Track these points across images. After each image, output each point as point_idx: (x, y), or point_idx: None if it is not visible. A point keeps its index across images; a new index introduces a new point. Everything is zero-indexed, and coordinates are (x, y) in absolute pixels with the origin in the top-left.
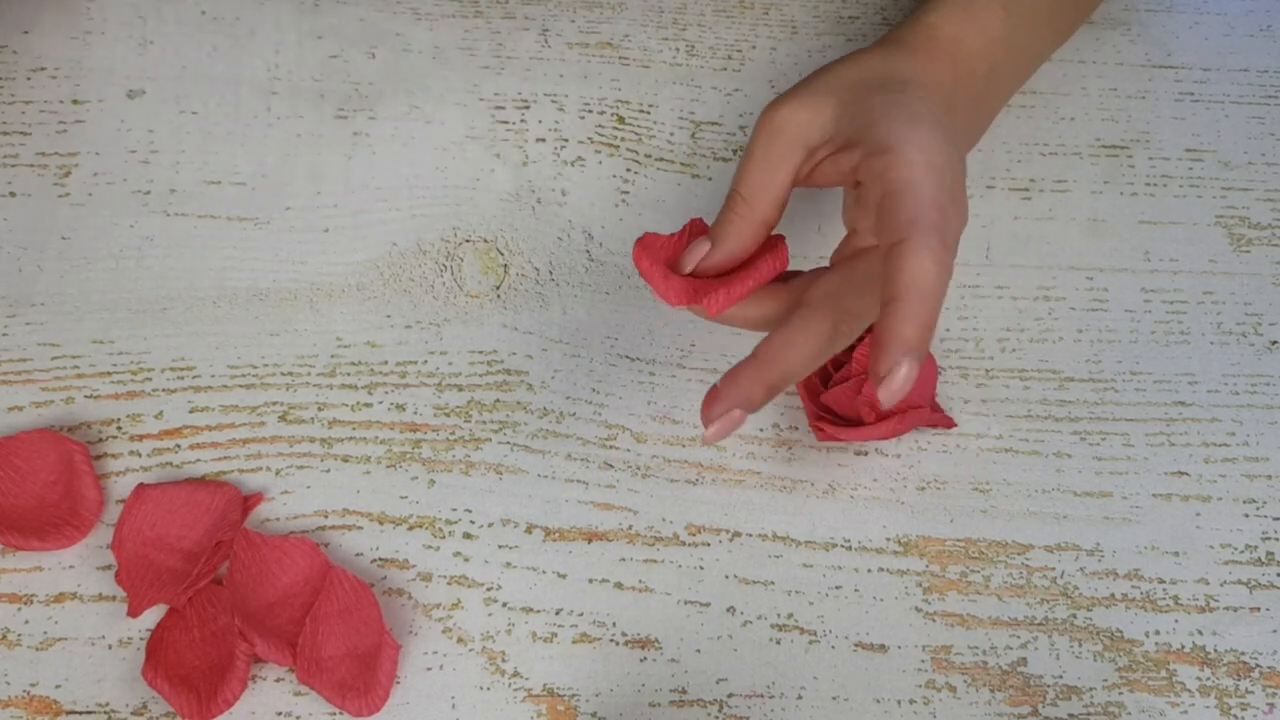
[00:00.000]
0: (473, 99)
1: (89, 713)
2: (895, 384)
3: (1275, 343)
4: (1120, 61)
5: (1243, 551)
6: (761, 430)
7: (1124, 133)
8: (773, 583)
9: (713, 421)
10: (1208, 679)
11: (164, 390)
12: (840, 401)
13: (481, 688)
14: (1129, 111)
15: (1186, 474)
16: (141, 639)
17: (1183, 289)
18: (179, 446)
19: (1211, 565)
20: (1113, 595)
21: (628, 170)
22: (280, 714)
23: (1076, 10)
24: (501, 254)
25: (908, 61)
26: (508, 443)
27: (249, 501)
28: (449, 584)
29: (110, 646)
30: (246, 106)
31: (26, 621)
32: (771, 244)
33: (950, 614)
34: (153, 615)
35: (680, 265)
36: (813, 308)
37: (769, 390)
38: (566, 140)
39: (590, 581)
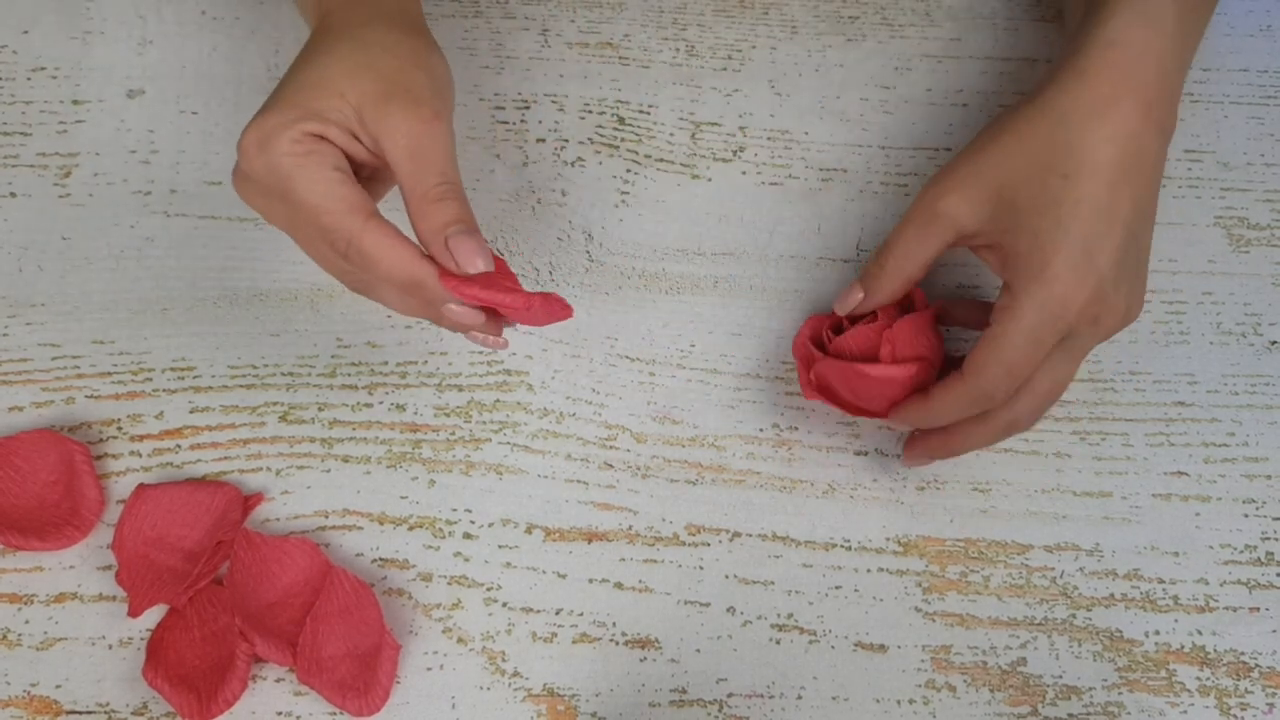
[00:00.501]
0: (472, 99)
1: (89, 713)
2: (913, 462)
3: (1275, 343)
4: None
5: (1242, 551)
6: (761, 430)
7: None
8: (773, 583)
9: (913, 461)
10: (1207, 679)
11: (164, 390)
12: (858, 340)
13: (481, 688)
14: None
15: (1186, 474)
16: (142, 639)
17: (1182, 289)
18: (179, 446)
19: (1211, 565)
20: (1112, 595)
21: (628, 170)
22: (280, 714)
23: None
24: (501, 254)
25: (1086, 111)
26: (508, 443)
27: (249, 501)
28: (449, 584)
29: (110, 646)
30: (246, 106)
31: (27, 621)
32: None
33: (950, 614)
34: (153, 615)
35: (835, 306)
36: (962, 376)
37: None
38: (566, 140)
39: (590, 581)
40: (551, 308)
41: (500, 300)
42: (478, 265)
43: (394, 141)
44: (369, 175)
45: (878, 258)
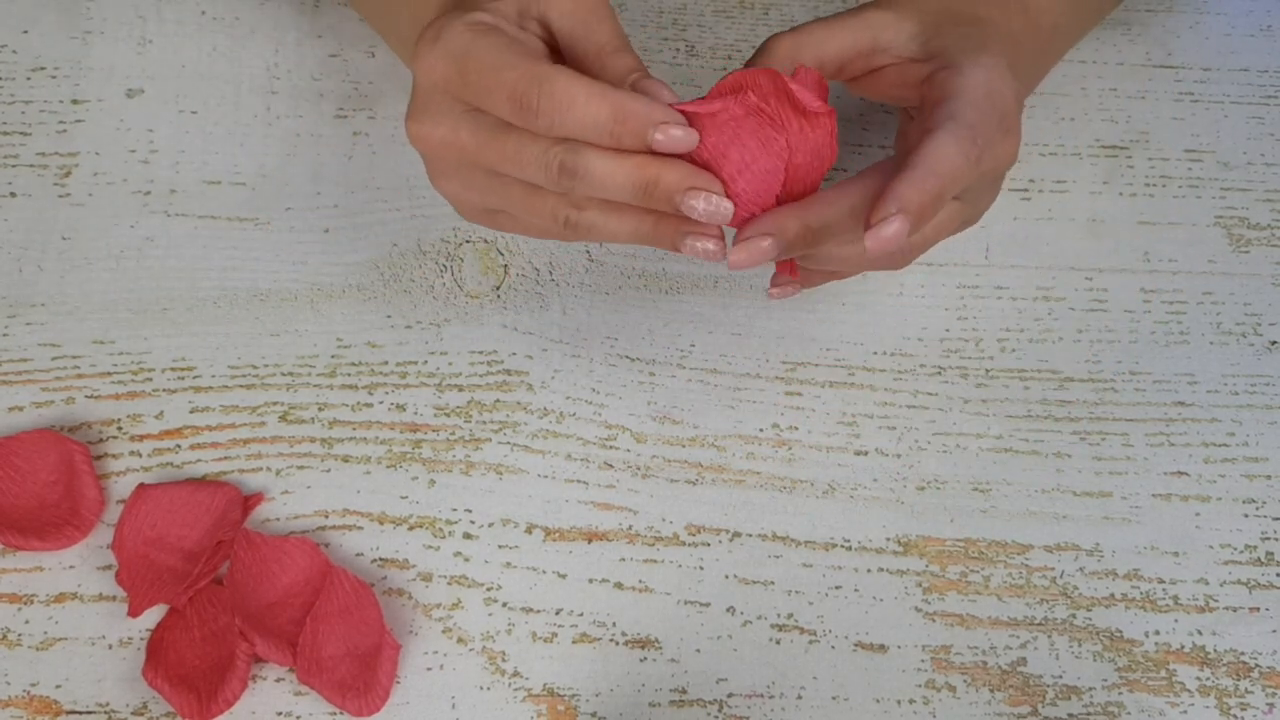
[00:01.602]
0: None
1: (89, 713)
2: (885, 232)
3: (1275, 343)
4: (1120, 61)
5: (1242, 551)
6: (761, 430)
7: (1123, 133)
8: (773, 583)
9: (741, 242)
10: (1207, 679)
11: (164, 390)
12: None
13: (481, 688)
14: (1129, 111)
15: (1186, 474)
16: (142, 639)
17: (1182, 289)
18: (179, 446)
19: (1211, 565)
20: (1112, 595)
21: None
22: (280, 714)
23: None
24: (501, 254)
25: (984, 4)
26: (508, 443)
27: (249, 501)
28: (449, 584)
29: (110, 646)
30: (246, 106)
31: (27, 621)
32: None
33: (950, 614)
34: (153, 615)
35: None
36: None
37: (804, 231)
38: None
39: (590, 581)
40: (762, 131)
41: (701, 107)
42: (667, 96)
43: (559, 9)
44: None
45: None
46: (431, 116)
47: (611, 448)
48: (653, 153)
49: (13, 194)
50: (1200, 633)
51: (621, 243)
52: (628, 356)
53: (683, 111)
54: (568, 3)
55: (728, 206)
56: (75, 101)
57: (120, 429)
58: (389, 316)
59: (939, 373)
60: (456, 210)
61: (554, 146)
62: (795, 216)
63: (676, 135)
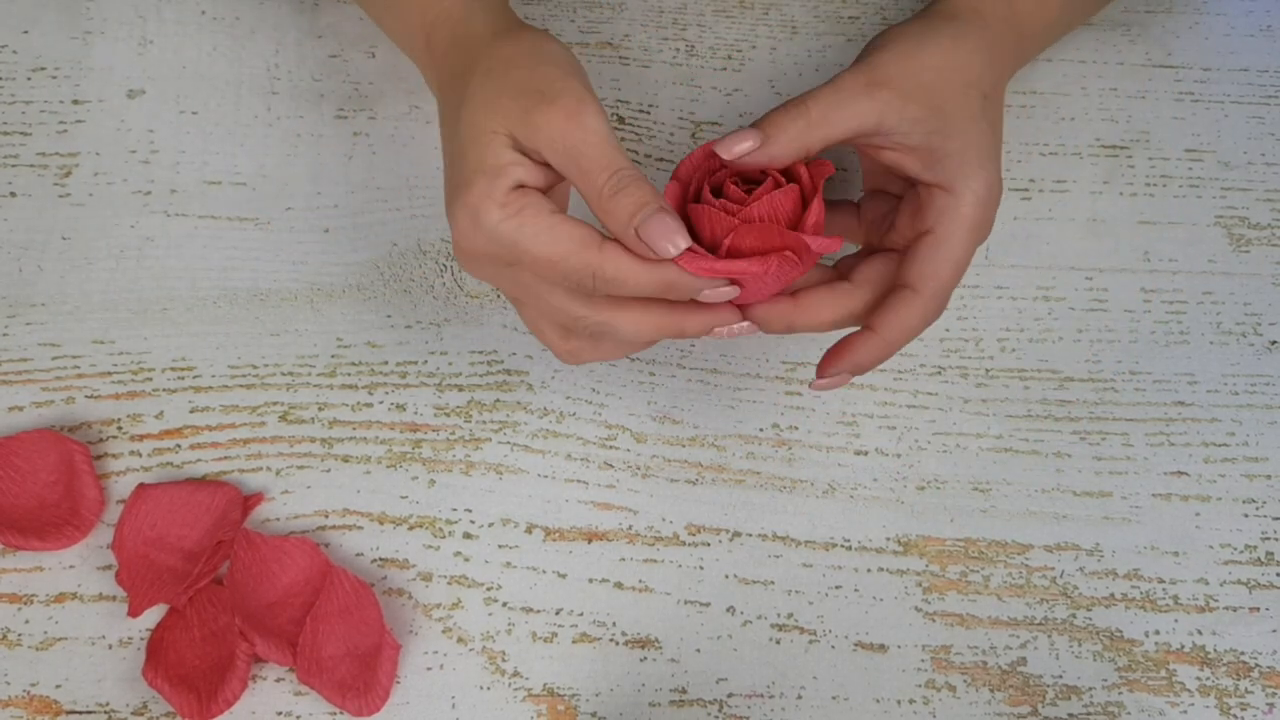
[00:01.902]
0: None
1: (89, 713)
2: (828, 385)
3: (1275, 343)
4: (1120, 61)
5: (1242, 551)
6: (761, 430)
7: (1124, 133)
8: (773, 583)
9: (826, 376)
10: (1207, 679)
11: (164, 390)
12: (708, 220)
13: (481, 688)
14: (1129, 111)
15: (1186, 474)
16: (141, 639)
17: (1182, 289)
18: (179, 446)
19: (1211, 565)
20: (1112, 595)
21: None
22: (280, 714)
23: None
24: None
25: (992, 43)
26: (508, 443)
27: (249, 501)
28: (449, 584)
29: (110, 646)
30: (246, 106)
31: (27, 621)
32: (791, 261)
33: (950, 614)
34: (153, 615)
35: (718, 147)
36: (918, 293)
37: (876, 364)
38: None
39: (590, 581)
40: (786, 268)
41: (743, 269)
42: (675, 244)
43: (552, 151)
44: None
45: (794, 103)
46: (476, 266)
47: (611, 448)
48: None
49: (13, 194)
50: (1200, 633)
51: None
52: (628, 356)
53: (716, 270)
54: (557, 143)
55: (748, 327)
56: (76, 102)
57: (120, 429)
58: (389, 316)
59: (939, 373)
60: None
61: (588, 314)
62: (871, 358)
63: (722, 292)
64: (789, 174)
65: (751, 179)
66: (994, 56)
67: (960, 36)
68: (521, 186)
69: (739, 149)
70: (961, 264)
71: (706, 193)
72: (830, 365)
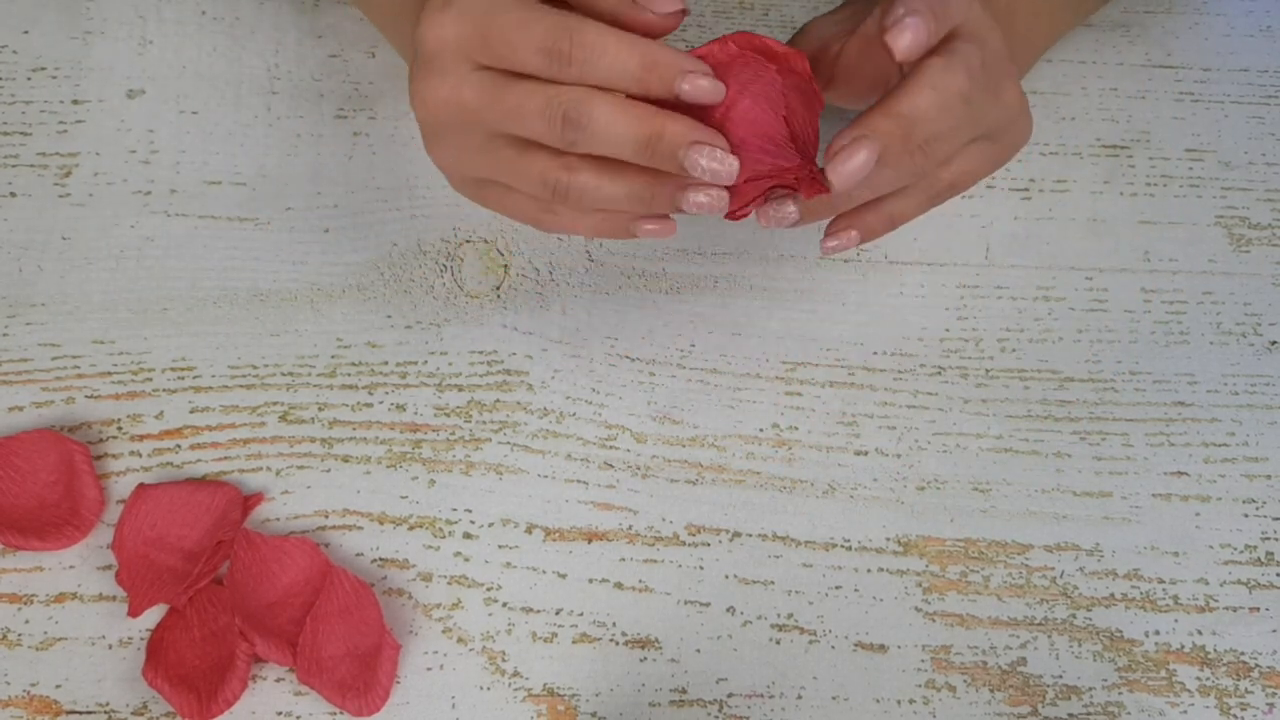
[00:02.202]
0: None
1: (89, 713)
2: (837, 247)
3: (1275, 343)
4: (1120, 62)
5: (1242, 551)
6: (761, 430)
7: (1124, 133)
8: (773, 583)
9: (835, 236)
10: (1207, 679)
11: (164, 390)
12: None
13: (481, 688)
14: (1129, 111)
15: (1186, 474)
16: (141, 639)
17: (1182, 289)
18: (179, 446)
19: (1211, 565)
20: (1112, 595)
21: None
22: (280, 714)
23: None
24: (501, 254)
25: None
26: (508, 443)
27: (249, 501)
28: (449, 584)
29: (110, 646)
30: (247, 106)
31: (26, 621)
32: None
33: (950, 614)
34: (153, 615)
35: (890, 36)
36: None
37: (898, 125)
38: None
39: (590, 581)
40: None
41: (709, 52)
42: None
43: None
44: None
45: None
46: (436, 75)
47: (611, 448)
48: (659, 105)
49: (13, 194)
50: (1200, 633)
51: (612, 209)
52: (628, 356)
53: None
54: None
55: (733, 163)
56: (76, 102)
57: (120, 429)
58: (389, 316)
59: (939, 373)
60: (448, 180)
61: (560, 95)
62: (881, 112)
63: (703, 85)
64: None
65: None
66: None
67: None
68: None
69: (905, 38)
70: (952, 100)
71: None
72: (840, 222)
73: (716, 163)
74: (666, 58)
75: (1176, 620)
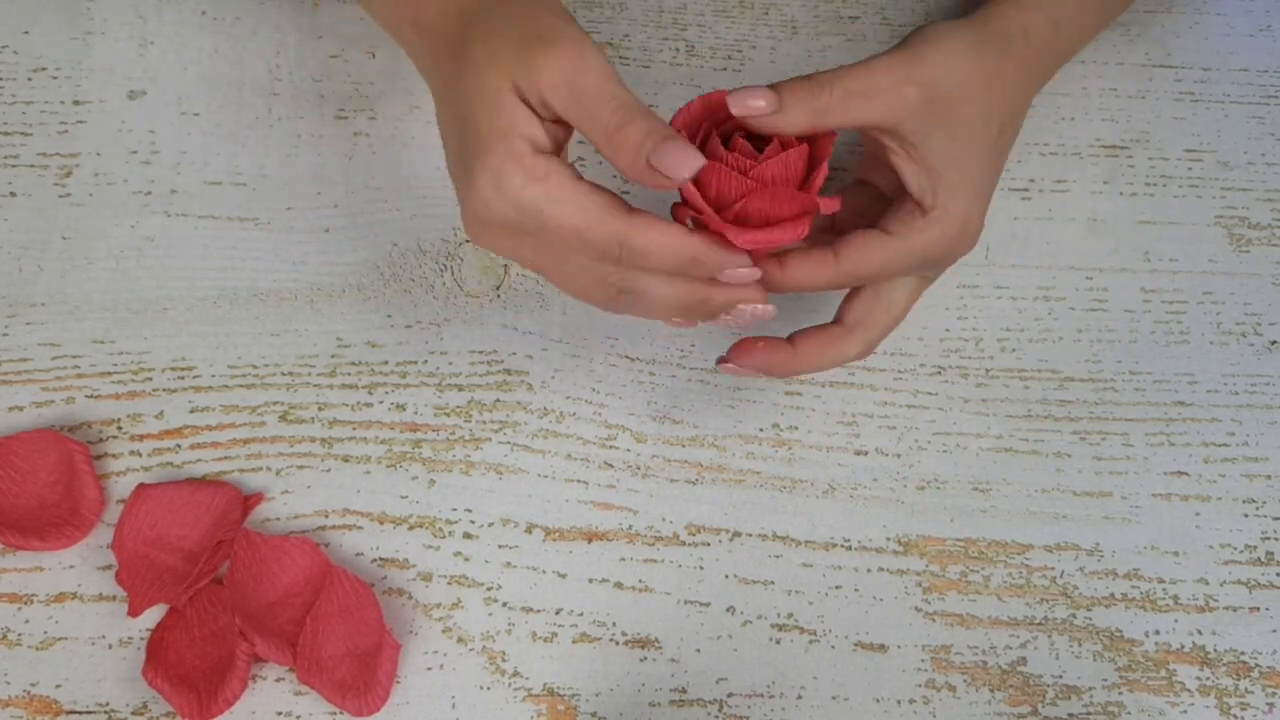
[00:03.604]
0: None
1: (89, 713)
2: (732, 370)
3: (1275, 343)
4: (1120, 61)
5: (1242, 551)
6: (761, 430)
7: (1124, 133)
8: (773, 583)
9: (733, 364)
10: (1207, 679)
11: (164, 390)
12: (717, 177)
13: (481, 688)
14: (1129, 111)
15: (1186, 474)
16: (141, 639)
17: (1182, 289)
18: (179, 446)
19: (1211, 565)
20: (1112, 595)
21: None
22: (280, 714)
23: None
24: None
25: (1022, 77)
26: (508, 443)
27: (249, 501)
28: (449, 584)
29: (110, 646)
30: (247, 107)
31: (26, 621)
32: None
33: (950, 614)
34: (153, 615)
35: (731, 99)
36: (849, 332)
37: (785, 375)
38: None
39: (590, 581)
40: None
41: (779, 237)
42: (688, 167)
43: (556, 94)
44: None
45: (819, 79)
46: (492, 235)
47: (611, 448)
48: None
49: (13, 194)
50: (1200, 633)
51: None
52: (628, 356)
53: (756, 240)
54: (560, 87)
55: (771, 311)
56: (76, 102)
57: (120, 429)
58: (389, 316)
59: (939, 373)
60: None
61: (614, 274)
62: (781, 370)
63: (743, 275)
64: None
65: (757, 134)
66: (1029, 80)
67: (1004, 58)
68: (540, 152)
69: (752, 105)
70: (896, 301)
71: (716, 143)
72: (742, 356)
73: (757, 315)
74: (709, 257)
75: (1176, 620)
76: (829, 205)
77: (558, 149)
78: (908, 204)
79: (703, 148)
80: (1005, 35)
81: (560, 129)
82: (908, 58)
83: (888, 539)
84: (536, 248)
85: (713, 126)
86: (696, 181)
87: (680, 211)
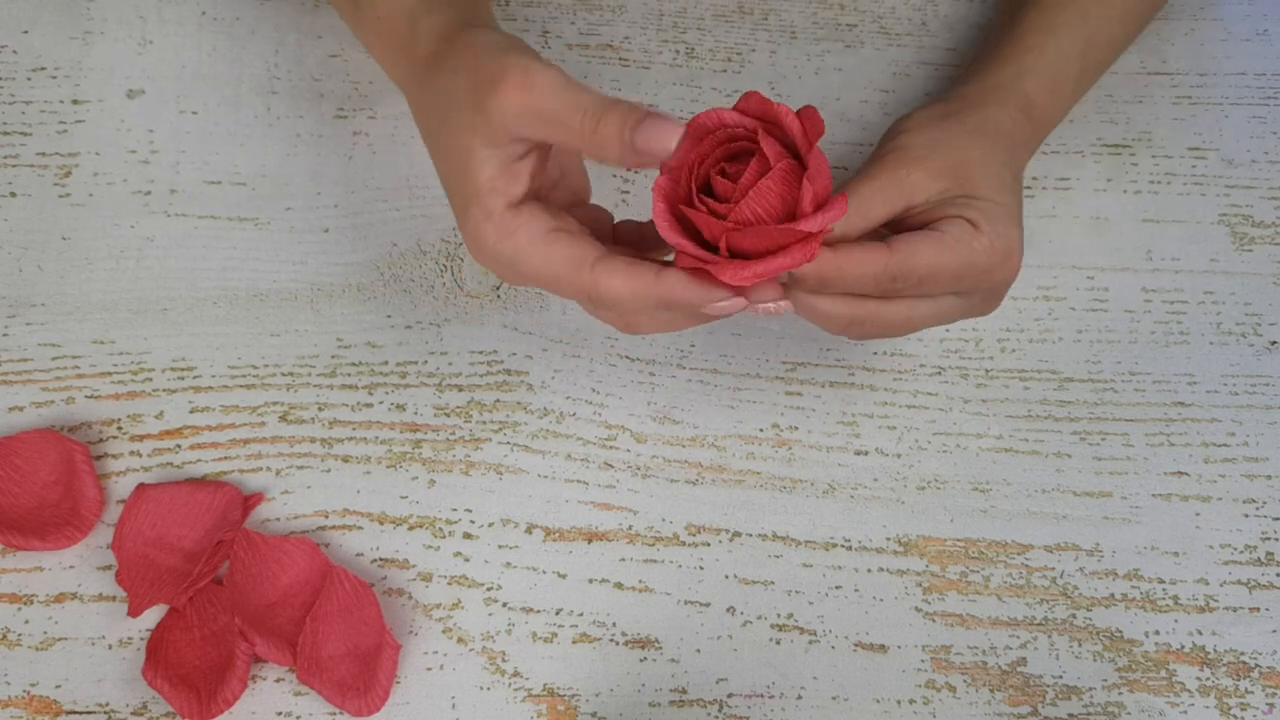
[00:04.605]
0: None
1: (89, 713)
2: (766, 307)
3: (1275, 343)
4: (1114, 70)
5: (1242, 551)
6: (761, 430)
7: (1125, 132)
8: (773, 583)
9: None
10: (1207, 679)
11: (164, 390)
12: (701, 223)
13: (481, 688)
14: (1128, 114)
15: (1186, 474)
16: (141, 639)
17: (1183, 288)
18: (179, 446)
19: (1211, 565)
20: (1112, 595)
21: (628, 170)
22: (280, 714)
23: (1125, 43)
24: None
25: (1021, 143)
26: (508, 443)
27: (249, 501)
28: (449, 584)
29: (110, 646)
30: (247, 106)
31: (26, 621)
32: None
33: (950, 614)
34: (153, 615)
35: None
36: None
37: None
38: None
39: (590, 581)
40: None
41: (783, 264)
42: (671, 136)
43: (522, 125)
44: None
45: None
46: (499, 273)
47: (611, 448)
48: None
49: (13, 194)
50: (1200, 633)
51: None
52: (628, 356)
53: (744, 276)
54: (525, 115)
55: (787, 306)
56: (76, 102)
57: (120, 429)
58: (389, 316)
59: (939, 373)
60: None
61: (602, 314)
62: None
63: (725, 307)
64: (780, 129)
65: (743, 150)
66: (1015, 146)
67: (985, 122)
68: (516, 204)
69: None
70: (941, 273)
71: (694, 192)
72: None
73: (769, 313)
74: (685, 296)
75: (1176, 620)
76: (827, 220)
77: (540, 171)
78: (957, 220)
79: (687, 193)
80: (979, 103)
81: (543, 149)
82: (895, 152)
83: (888, 539)
84: (529, 282)
85: (694, 166)
86: (686, 227)
87: (681, 260)
